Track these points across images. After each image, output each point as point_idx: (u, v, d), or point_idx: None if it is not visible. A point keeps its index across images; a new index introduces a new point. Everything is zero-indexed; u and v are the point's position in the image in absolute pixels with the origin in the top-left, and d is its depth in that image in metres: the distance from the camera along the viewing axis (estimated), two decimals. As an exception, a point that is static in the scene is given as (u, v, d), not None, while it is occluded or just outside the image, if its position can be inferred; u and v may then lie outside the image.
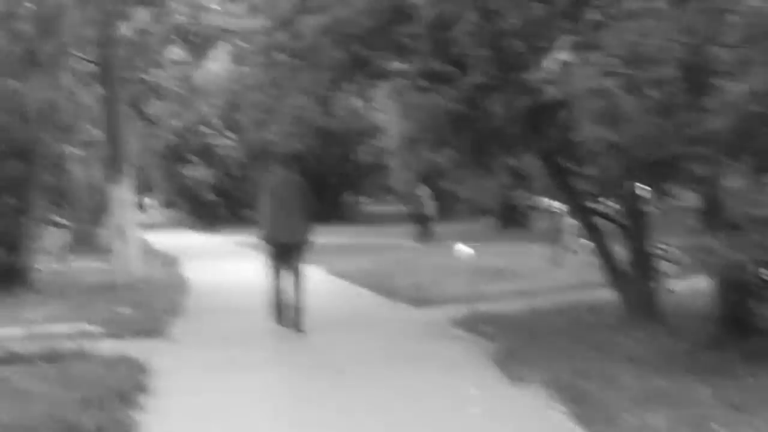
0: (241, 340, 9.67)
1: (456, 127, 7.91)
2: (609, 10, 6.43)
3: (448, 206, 44.80)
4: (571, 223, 20.24)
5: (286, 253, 10.08)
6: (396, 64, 7.78)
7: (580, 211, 10.10)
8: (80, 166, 24.68)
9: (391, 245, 25.32)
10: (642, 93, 5.63)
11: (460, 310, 10.90)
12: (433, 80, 7.85)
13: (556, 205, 21.25)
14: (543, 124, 7.55)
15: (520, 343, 8.38)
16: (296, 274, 10.12)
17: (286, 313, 10.14)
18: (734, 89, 5.55)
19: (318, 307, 11.69)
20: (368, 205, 56.30)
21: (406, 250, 23.71)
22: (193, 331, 10.39)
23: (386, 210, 54.66)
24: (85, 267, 18.24)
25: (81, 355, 8.16)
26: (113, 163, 15.08)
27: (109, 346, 8.62)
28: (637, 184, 8.47)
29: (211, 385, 7.34)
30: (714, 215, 7.92)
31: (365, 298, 13.38)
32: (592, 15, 6.65)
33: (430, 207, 28.06)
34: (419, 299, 12.41)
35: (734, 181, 6.63)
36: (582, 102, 5.71)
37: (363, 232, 30.05)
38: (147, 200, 46.49)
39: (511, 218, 34.99)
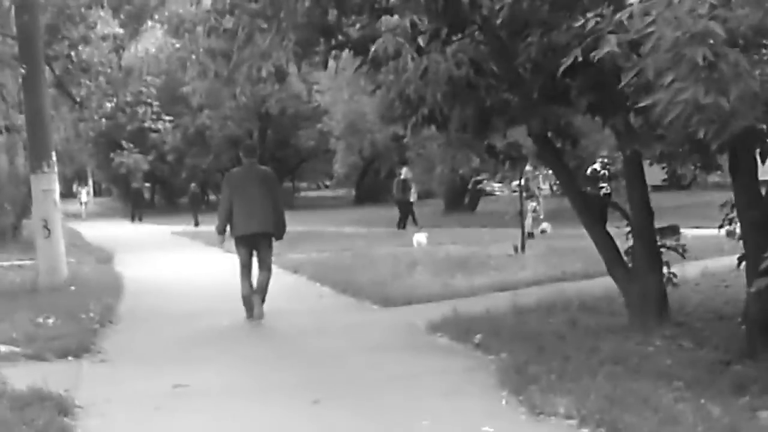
0: (186, 355, 8.19)
1: (460, 97, 6.50)
2: None
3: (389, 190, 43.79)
4: (532, 206, 19.19)
5: (254, 245, 10.00)
6: (390, 20, 6.26)
7: (577, 195, 8.79)
8: (2, 154, 22.89)
9: (341, 234, 24.01)
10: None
11: (435, 311, 9.58)
12: (434, 38, 6.38)
13: (514, 186, 20.20)
14: (577, 87, 6.14)
15: (523, 355, 7.03)
16: (264, 266, 10.09)
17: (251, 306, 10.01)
18: None
19: (277, 311, 10.31)
20: (307, 191, 54.84)
21: (356, 238, 22.40)
22: (130, 344, 8.85)
23: (325, 195, 53.41)
24: (7, 265, 16.54)
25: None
26: (36, 151, 13.40)
27: (24, 374, 7.03)
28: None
29: (153, 427, 5.88)
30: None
31: (327, 298, 11.92)
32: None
33: (413, 191, 26.01)
34: (386, 298, 11.03)
35: None
36: (663, 55, 4.33)
37: (306, 219, 28.47)
38: (81, 189, 44.27)
39: (457, 201, 33.93)
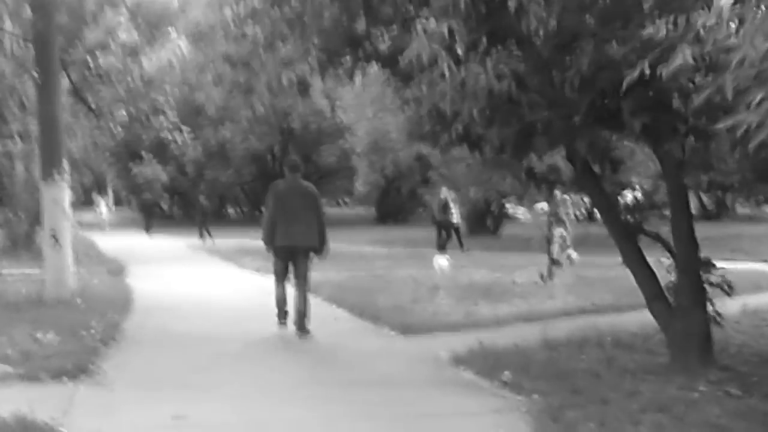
0: (190, 382, 7.60)
1: (500, 113, 5.89)
2: None
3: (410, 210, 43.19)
4: (559, 232, 18.50)
5: (293, 258, 10.13)
6: (426, 23, 5.66)
7: (616, 224, 8.16)
8: (19, 161, 22.52)
9: (361, 253, 23.41)
10: None
11: (459, 341, 8.99)
12: (473, 48, 5.75)
13: (542, 210, 19.55)
14: (631, 107, 5.48)
15: (557, 397, 6.41)
16: (302, 279, 10.17)
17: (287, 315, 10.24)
18: None
19: (290, 335, 9.82)
20: (326, 206, 54.32)
21: (377, 258, 21.81)
22: (131, 366, 8.25)
23: (345, 213, 52.81)
24: (17, 274, 16.05)
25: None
26: (47, 158, 12.91)
27: (13, 396, 6.48)
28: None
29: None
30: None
31: (344, 322, 11.29)
32: None
33: (456, 213, 24.89)
34: (406, 325, 10.42)
35: None
36: (747, 70, 3.72)
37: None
38: (99, 199, 43.86)
39: (480, 224, 33.27)
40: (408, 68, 7.20)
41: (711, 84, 4.17)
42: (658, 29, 4.53)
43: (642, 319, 9.39)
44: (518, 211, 35.85)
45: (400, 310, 11.55)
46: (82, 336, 9.21)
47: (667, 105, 5.24)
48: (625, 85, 4.96)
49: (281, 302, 10.26)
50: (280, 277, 10.27)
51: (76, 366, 7.76)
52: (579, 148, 6.20)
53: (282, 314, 10.29)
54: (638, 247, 8.18)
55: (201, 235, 30.36)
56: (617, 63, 5.30)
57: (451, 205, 24.50)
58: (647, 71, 4.55)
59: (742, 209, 35.02)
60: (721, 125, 4.00)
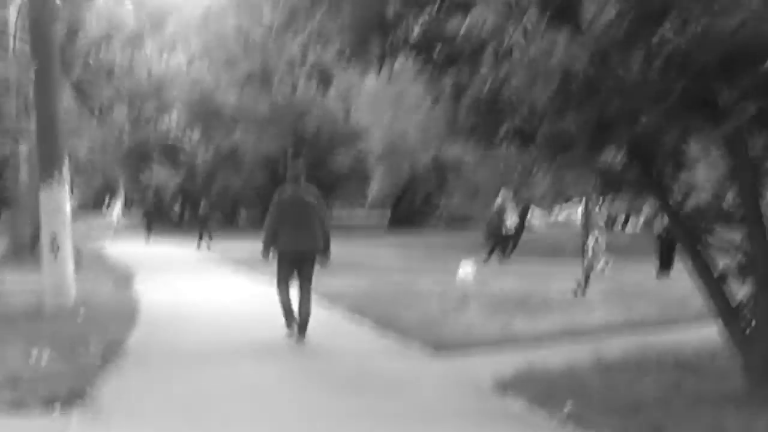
0: (196, 414, 6.61)
1: (575, 99, 4.84)
2: None
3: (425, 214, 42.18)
4: (596, 240, 17.47)
5: (298, 263, 10.10)
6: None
7: (684, 232, 7.15)
8: (24, 162, 21.67)
9: (379, 259, 22.41)
10: None
11: (499, 362, 8.03)
12: (542, 21, 4.70)
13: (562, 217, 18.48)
14: (740, 90, 4.46)
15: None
16: (307, 283, 10.16)
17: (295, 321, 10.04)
18: None
19: (311, 351, 8.87)
20: (340, 210, 53.37)
21: (395, 265, 20.83)
22: (131, 392, 7.26)
23: (359, 217, 51.80)
24: (17, 282, 15.12)
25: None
26: (46, 160, 12.02)
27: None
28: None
29: None
30: None
31: (367, 336, 10.32)
32: None
33: (513, 219, 23.09)
34: (437, 341, 9.43)
35: None
36: None
37: (341, 242, 26.78)
38: (111, 204, 42.92)
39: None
40: (451, 52, 6.26)
41: None
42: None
43: (699, 335, 8.52)
44: (534, 218, 34.73)
45: (430, 323, 10.56)
46: (80, 354, 8.25)
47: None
48: (732, 64, 3.98)
49: (288, 307, 10.06)
50: (284, 283, 10.11)
51: (70, 391, 6.81)
52: (667, 141, 5.19)
53: (290, 320, 10.05)
54: (705, 258, 7.18)
55: (200, 240, 29.59)
56: (721, 37, 4.30)
57: (509, 211, 22.92)
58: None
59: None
60: None
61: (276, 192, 10.58)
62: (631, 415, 5.96)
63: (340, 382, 7.80)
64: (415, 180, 37.12)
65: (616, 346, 8.75)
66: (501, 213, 22.71)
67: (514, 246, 22.81)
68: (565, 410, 6.19)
